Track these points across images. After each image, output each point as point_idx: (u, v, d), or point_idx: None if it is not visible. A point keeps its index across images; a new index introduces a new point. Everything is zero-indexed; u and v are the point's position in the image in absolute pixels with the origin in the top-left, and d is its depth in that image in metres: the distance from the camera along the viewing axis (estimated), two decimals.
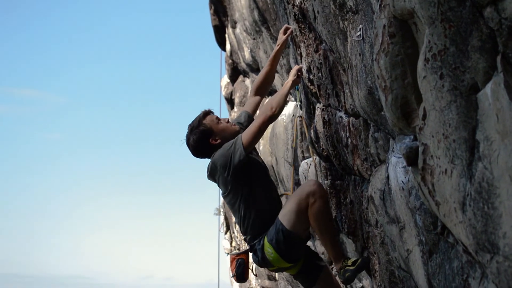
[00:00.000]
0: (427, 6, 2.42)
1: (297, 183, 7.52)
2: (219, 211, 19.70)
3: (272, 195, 5.41)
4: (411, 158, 2.88)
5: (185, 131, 5.41)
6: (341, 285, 5.37)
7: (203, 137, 5.31)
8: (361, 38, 3.74)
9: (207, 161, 5.33)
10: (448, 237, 2.91)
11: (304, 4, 4.93)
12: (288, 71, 7.44)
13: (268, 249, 5.10)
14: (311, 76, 5.39)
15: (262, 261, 5.25)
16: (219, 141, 5.28)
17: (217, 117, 5.42)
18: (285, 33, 5.70)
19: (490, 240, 2.16)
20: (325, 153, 5.53)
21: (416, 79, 2.70)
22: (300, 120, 6.79)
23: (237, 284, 17.52)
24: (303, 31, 5.33)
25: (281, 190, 10.52)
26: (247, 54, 12.08)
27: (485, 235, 2.19)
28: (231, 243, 18.33)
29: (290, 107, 9.31)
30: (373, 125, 4.05)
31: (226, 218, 18.71)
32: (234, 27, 13.08)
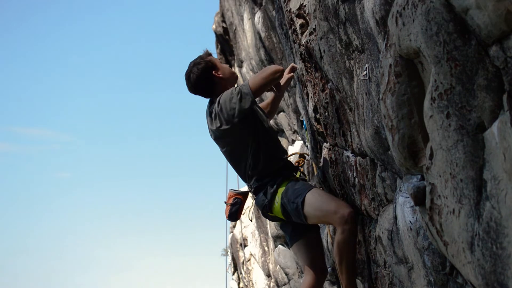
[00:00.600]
0: (432, 45, 2.42)
1: None
2: (227, 252, 19.62)
3: (277, 145, 5.52)
4: (419, 198, 2.86)
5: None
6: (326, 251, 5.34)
7: (207, 68, 5.41)
8: (367, 77, 3.75)
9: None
10: (457, 278, 2.88)
11: (310, 44, 4.95)
12: (295, 110, 7.47)
13: (277, 199, 5.17)
14: (317, 116, 5.40)
15: (268, 204, 5.25)
16: (221, 75, 5.40)
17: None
18: (290, 72, 5.74)
19: (499, 281, 2.13)
20: (333, 193, 5.52)
21: (423, 118, 2.70)
22: (308, 160, 6.78)
23: None
24: (309, 70, 5.35)
25: None
26: None
27: (494, 276, 2.16)
28: (238, 283, 18.23)
29: (297, 147, 9.32)
30: (380, 165, 4.04)
31: (233, 259, 18.63)
32: (240, 66, 13.16)
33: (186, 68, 5.44)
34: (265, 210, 5.34)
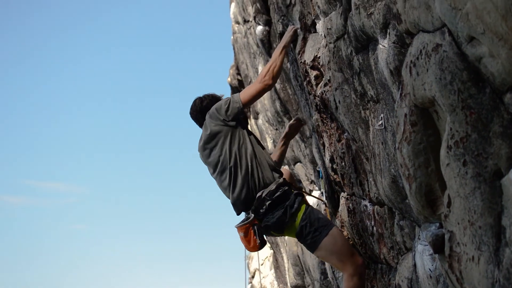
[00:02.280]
0: (447, 94, 2.44)
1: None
2: None
3: (269, 161, 5.43)
4: (438, 245, 2.86)
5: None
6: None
7: (214, 100, 5.59)
8: (383, 127, 3.77)
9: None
10: None
11: (325, 95, 4.99)
12: (311, 161, 7.48)
13: (297, 219, 5.09)
14: (334, 166, 5.41)
15: (288, 220, 5.11)
16: None
17: None
18: (292, 31, 5.76)
19: None
20: (351, 242, 5.50)
21: (440, 167, 2.71)
22: (324, 210, 6.77)
23: None
24: (325, 121, 5.38)
25: (307, 280, 10.41)
26: (270, 144, 12.16)
27: None
28: None
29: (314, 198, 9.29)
30: (398, 213, 4.04)
31: None
32: (256, 118, 13.21)
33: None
34: (279, 229, 5.22)
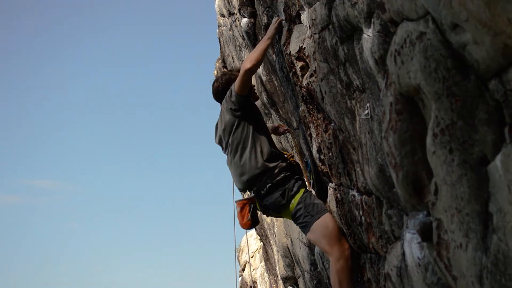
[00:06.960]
0: (432, 82, 2.44)
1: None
2: None
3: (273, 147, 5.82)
4: (426, 233, 2.87)
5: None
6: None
7: (231, 80, 6.00)
8: (369, 116, 3.77)
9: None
10: None
11: (311, 85, 4.99)
12: (299, 152, 7.49)
13: (293, 201, 5.52)
14: (321, 156, 5.41)
15: (282, 206, 5.57)
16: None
17: None
18: (277, 23, 5.93)
19: None
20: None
21: (426, 155, 2.71)
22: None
23: None
24: (311, 112, 5.37)
25: (297, 271, 10.43)
26: None
27: None
28: None
29: None
30: (386, 202, 4.04)
31: None
32: None
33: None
34: (276, 209, 5.66)
